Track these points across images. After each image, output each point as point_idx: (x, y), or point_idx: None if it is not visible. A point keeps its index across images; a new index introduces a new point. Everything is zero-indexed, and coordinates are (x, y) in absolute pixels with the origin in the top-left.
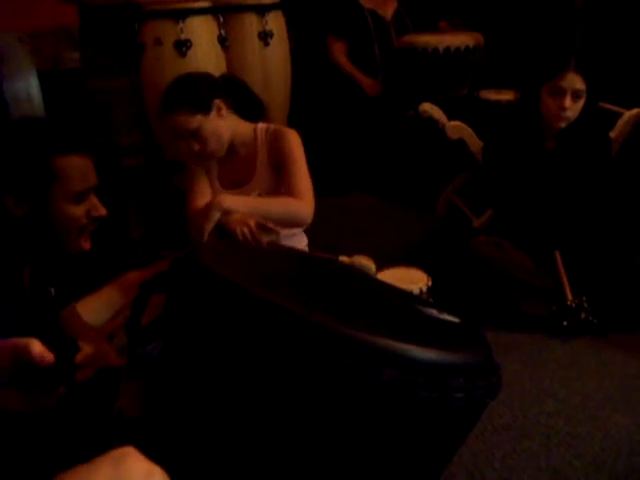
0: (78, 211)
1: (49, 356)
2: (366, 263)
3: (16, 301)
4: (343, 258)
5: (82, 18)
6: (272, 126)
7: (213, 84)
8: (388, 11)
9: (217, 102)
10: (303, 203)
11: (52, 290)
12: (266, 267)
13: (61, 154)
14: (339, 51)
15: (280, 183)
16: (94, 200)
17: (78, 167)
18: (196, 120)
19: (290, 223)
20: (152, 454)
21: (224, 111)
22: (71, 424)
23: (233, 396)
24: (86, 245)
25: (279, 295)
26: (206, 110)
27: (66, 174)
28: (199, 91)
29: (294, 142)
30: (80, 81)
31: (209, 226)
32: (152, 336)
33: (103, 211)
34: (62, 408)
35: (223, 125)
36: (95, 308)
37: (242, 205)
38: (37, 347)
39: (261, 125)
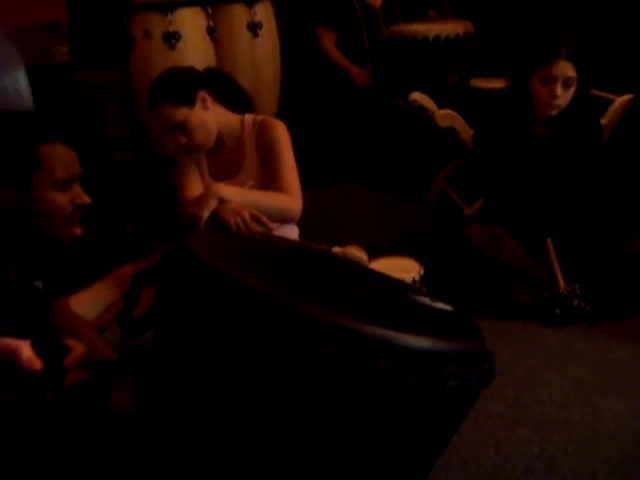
0: (63, 199)
1: (37, 363)
2: (358, 254)
3: (2, 294)
4: (336, 249)
5: (71, 12)
6: (259, 117)
7: (196, 77)
8: (377, 0)
9: (201, 94)
10: (294, 200)
11: (40, 284)
12: (259, 258)
13: (46, 142)
14: (328, 41)
15: (267, 175)
16: (78, 189)
17: (62, 156)
18: (181, 113)
19: (280, 219)
20: (149, 448)
21: (209, 103)
22: (66, 423)
23: (226, 386)
24: (77, 231)
25: (271, 286)
26: (190, 102)
27: (50, 162)
28: (182, 84)
29: (282, 134)
30: (69, 75)
31: (205, 214)
32: (145, 328)
33: (87, 199)
34: (56, 409)
35: (209, 117)
36: (88, 302)
37: (237, 195)
38: (26, 352)
39: (248, 116)
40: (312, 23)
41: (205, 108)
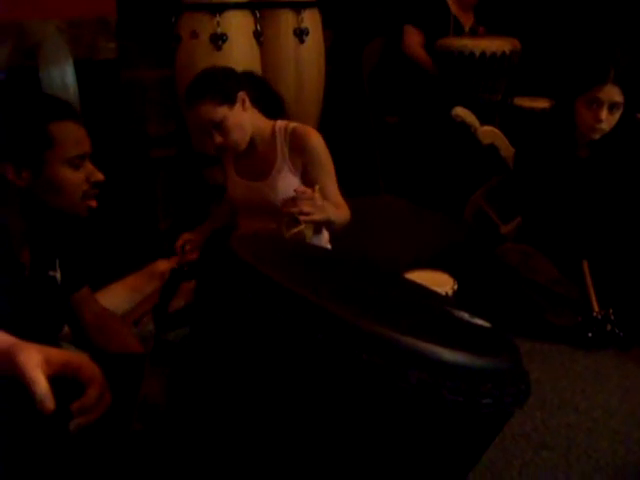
0: (77, 176)
1: (50, 404)
2: None
3: (13, 281)
4: None
5: (120, 9)
6: (291, 124)
7: (237, 78)
8: (467, 22)
9: (241, 95)
10: (347, 211)
11: (57, 275)
12: (298, 261)
13: (56, 120)
14: (416, 43)
15: (307, 184)
16: (90, 166)
17: (73, 133)
18: (220, 111)
19: (337, 228)
20: (174, 440)
21: (247, 104)
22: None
23: (258, 387)
24: (93, 204)
25: (308, 289)
26: (231, 102)
27: (61, 139)
28: (224, 83)
29: (318, 143)
30: (115, 71)
31: (310, 234)
32: (179, 323)
33: (101, 176)
34: None
35: (246, 118)
36: (120, 295)
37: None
38: (41, 388)
39: (279, 123)
40: (401, 21)
41: (244, 109)
